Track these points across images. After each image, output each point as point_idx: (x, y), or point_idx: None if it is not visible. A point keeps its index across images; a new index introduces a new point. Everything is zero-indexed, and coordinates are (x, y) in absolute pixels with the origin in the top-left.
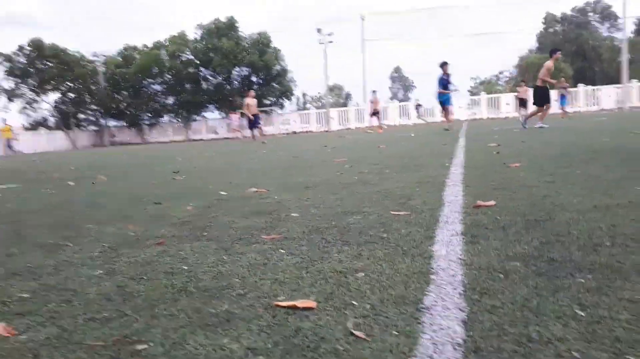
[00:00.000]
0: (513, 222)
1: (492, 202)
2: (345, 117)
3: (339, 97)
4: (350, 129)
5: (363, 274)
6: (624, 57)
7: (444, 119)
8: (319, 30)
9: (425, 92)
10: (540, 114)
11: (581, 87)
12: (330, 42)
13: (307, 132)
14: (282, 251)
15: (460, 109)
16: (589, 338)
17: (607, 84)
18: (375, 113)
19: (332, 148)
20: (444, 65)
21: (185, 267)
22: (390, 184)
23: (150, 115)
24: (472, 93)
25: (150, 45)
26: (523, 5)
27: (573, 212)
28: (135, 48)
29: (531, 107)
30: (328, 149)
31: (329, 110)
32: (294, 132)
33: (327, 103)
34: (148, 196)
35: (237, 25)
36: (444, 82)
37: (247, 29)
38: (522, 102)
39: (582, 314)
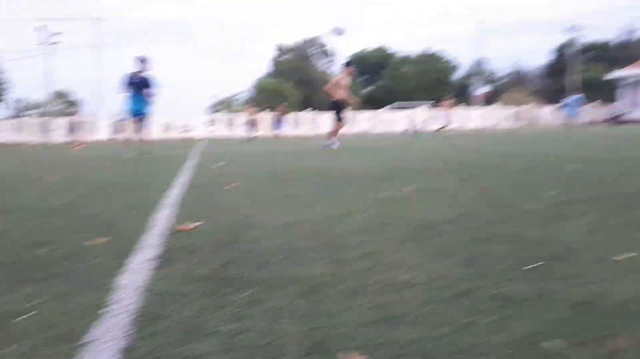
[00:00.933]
0: (207, 244)
1: (194, 225)
2: (71, 127)
3: (67, 104)
4: (77, 141)
5: (33, 313)
6: None
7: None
8: (42, 28)
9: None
10: (336, 129)
11: (306, 113)
12: (55, 43)
13: (20, 144)
14: None
15: (200, 126)
16: (229, 348)
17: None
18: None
19: (48, 164)
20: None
21: None
22: (100, 208)
23: None
24: (212, 111)
25: None
26: (260, 31)
27: (263, 230)
28: None
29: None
30: (43, 165)
31: (51, 119)
32: (2, 144)
33: (51, 111)
34: None
35: None
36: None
37: None
38: (252, 123)
39: (234, 326)
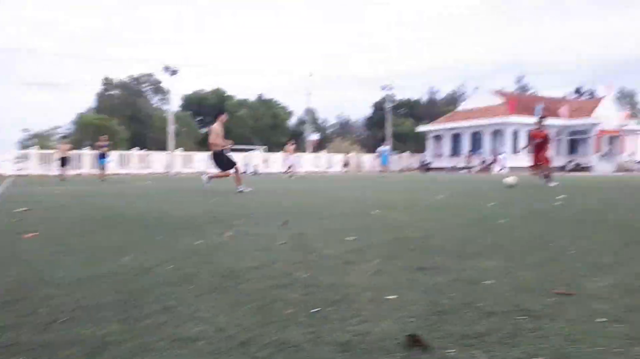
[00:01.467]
0: None
1: None
2: None
3: None
4: None
5: None
6: (171, 128)
7: None
8: None
9: None
10: (234, 177)
11: (135, 151)
12: None
13: None
14: None
15: (5, 162)
16: None
17: (158, 149)
18: None
19: None
20: None
21: None
22: None
23: None
24: (23, 146)
25: None
26: (86, 63)
27: (57, 286)
28: None
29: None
30: None
31: None
32: None
33: None
34: None
35: None
36: None
37: None
38: (64, 161)
39: None
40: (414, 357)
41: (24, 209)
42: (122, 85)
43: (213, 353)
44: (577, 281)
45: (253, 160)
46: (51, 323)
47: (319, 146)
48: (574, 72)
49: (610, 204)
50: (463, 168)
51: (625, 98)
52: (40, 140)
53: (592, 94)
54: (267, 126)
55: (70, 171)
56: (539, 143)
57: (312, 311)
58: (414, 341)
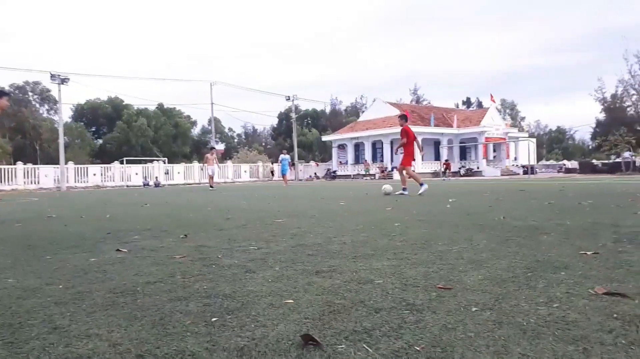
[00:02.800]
0: None
1: None
2: None
3: None
4: None
5: None
6: (61, 140)
7: None
8: None
9: None
10: None
11: (20, 165)
12: None
13: None
14: None
15: None
16: None
17: (47, 163)
18: None
19: None
20: None
21: None
22: None
23: None
24: None
25: None
26: None
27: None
28: None
29: None
30: None
31: None
32: None
33: None
34: None
35: None
36: None
37: None
38: None
39: None
40: (307, 355)
41: None
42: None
43: None
44: (457, 276)
45: (154, 172)
46: None
47: (224, 155)
48: (465, 84)
49: (492, 206)
50: (365, 175)
51: (507, 108)
52: None
53: (480, 104)
54: (169, 135)
55: None
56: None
57: (211, 320)
58: (307, 340)
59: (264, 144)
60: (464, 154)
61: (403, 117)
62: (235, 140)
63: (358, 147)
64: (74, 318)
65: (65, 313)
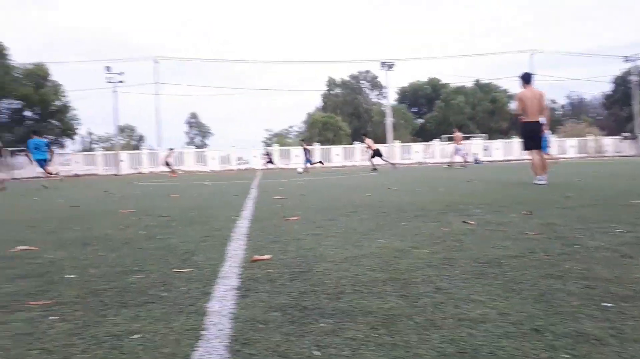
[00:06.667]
0: (281, 274)
1: (267, 256)
2: (137, 160)
3: (131, 138)
4: (142, 173)
5: (139, 335)
6: (388, 121)
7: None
8: (108, 69)
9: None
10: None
11: (357, 144)
12: (121, 82)
13: (92, 175)
14: (52, 317)
15: (255, 158)
16: None
17: (376, 143)
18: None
19: (119, 196)
20: None
21: None
22: (176, 239)
23: None
24: (267, 144)
25: None
26: (313, 66)
27: (329, 263)
28: None
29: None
30: (115, 197)
31: (119, 152)
32: (77, 175)
33: (117, 144)
34: None
35: (5, 52)
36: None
37: (19, 57)
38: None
39: (319, 353)
40: None
41: (280, 197)
42: (343, 84)
43: (504, 337)
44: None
45: (473, 149)
46: (339, 293)
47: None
48: None
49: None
50: None
51: None
52: (279, 138)
53: None
54: (486, 111)
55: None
56: None
57: (601, 304)
58: None
59: (593, 114)
60: None
61: None
62: (559, 113)
63: None
64: (451, 281)
65: (441, 276)
